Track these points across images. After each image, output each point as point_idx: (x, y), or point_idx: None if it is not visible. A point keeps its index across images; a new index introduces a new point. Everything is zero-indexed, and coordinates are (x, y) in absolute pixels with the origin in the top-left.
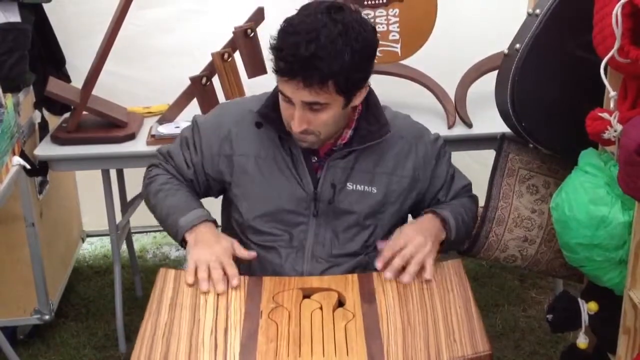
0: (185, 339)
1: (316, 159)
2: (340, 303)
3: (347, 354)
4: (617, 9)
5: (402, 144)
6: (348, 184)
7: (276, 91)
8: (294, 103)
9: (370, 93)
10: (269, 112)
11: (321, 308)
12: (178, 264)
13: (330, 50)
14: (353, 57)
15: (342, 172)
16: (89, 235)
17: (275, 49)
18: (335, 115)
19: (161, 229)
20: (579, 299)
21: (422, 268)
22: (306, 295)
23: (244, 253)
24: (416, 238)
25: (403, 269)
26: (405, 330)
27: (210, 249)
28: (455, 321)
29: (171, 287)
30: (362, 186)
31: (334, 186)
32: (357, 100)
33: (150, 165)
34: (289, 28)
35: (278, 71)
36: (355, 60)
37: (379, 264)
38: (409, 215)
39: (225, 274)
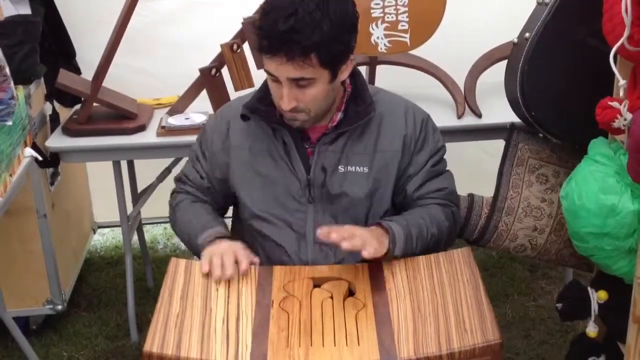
0: (197, 327)
1: (307, 145)
2: (351, 292)
3: (359, 343)
4: None
5: (393, 120)
6: (340, 166)
7: (265, 85)
8: (280, 81)
9: (358, 74)
10: (258, 104)
11: (332, 297)
12: (189, 255)
13: (309, 22)
14: (332, 28)
15: (333, 155)
16: (100, 227)
17: (258, 28)
18: (323, 91)
19: None
20: (589, 288)
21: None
22: (316, 285)
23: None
24: (362, 232)
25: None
26: (415, 319)
27: (223, 244)
28: (465, 310)
29: (182, 277)
30: (354, 167)
31: (325, 169)
32: (344, 75)
33: (173, 193)
34: (268, 6)
35: (261, 49)
36: (335, 32)
37: (320, 231)
38: None
39: (237, 262)
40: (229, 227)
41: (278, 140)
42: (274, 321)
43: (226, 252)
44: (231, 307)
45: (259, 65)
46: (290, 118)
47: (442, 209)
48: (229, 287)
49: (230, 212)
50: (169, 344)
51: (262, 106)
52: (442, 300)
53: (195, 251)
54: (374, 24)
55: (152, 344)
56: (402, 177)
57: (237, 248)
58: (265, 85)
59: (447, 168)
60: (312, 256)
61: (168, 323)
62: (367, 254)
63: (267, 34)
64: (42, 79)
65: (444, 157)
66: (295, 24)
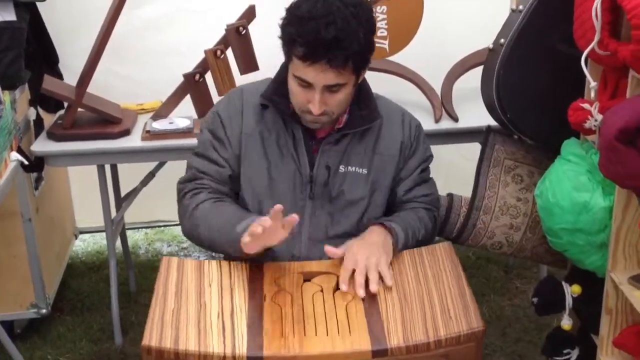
0: (193, 322)
1: (313, 143)
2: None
3: (350, 332)
4: (597, 3)
5: (391, 125)
6: (341, 166)
7: (280, 77)
8: (314, 87)
9: (364, 80)
10: (274, 95)
11: (322, 290)
12: None
13: (349, 31)
14: (366, 37)
15: (336, 155)
16: (81, 232)
17: (295, 35)
18: (348, 95)
19: (153, 225)
20: (563, 283)
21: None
22: (306, 279)
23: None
24: (360, 252)
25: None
26: (403, 309)
27: None
28: (449, 299)
29: (175, 275)
30: (354, 168)
31: (329, 168)
32: (361, 78)
33: (187, 192)
34: (304, 14)
35: (301, 57)
36: (368, 40)
37: (344, 287)
38: None
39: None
40: None
41: (288, 132)
42: (267, 314)
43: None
44: (225, 302)
45: (242, 71)
46: (313, 120)
47: (427, 213)
48: (221, 283)
49: None
50: (166, 338)
51: (277, 97)
52: (427, 291)
53: (226, 246)
54: None
55: (150, 339)
56: (394, 179)
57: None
58: (280, 75)
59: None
60: (305, 251)
61: (164, 318)
62: (388, 282)
63: (310, 42)
64: (27, 85)
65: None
66: (337, 33)
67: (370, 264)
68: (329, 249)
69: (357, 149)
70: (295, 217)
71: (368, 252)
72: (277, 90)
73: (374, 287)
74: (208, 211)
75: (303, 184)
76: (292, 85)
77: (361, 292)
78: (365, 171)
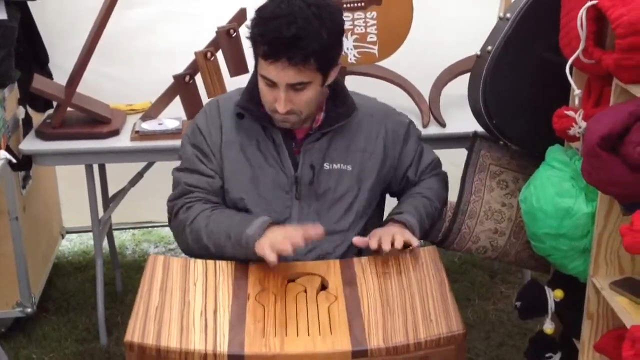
0: (176, 319)
1: (294, 144)
2: (323, 287)
3: (331, 333)
4: (582, 13)
5: (372, 123)
6: (325, 164)
7: (251, 85)
8: (278, 86)
9: (338, 79)
10: (248, 104)
11: (305, 291)
12: None
13: (309, 30)
14: (329, 37)
15: (318, 154)
16: (68, 232)
17: (257, 35)
18: (315, 94)
19: (140, 225)
20: (546, 287)
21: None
22: (291, 280)
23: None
24: (386, 229)
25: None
26: (384, 312)
27: (278, 230)
28: (431, 303)
29: (160, 272)
30: (339, 164)
31: (313, 167)
32: (331, 78)
33: (180, 208)
34: (267, 14)
35: (262, 55)
36: (331, 39)
37: (373, 244)
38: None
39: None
40: None
41: (268, 137)
42: (250, 313)
43: (287, 233)
44: (209, 301)
45: (232, 73)
46: (282, 120)
47: (437, 179)
48: (206, 281)
49: None
50: (149, 334)
51: (252, 105)
52: (409, 294)
53: (237, 250)
54: (344, 36)
55: (132, 334)
56: (397, 171)
57: (289, 229)
58: (250, 86)
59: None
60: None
61: (148, 314)
62: (415, 242)
63: (270, 40)
64: (16, 84)
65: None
66: (298, 31)
67: (396, 234)
68: (357, 239)
69: (338, 146)
70: (320, 230)
71: (390, 230)
72: (250, 99)
73: (398, 242)
74: (209, 219)
75: (288, 185)
76: (261, 85)
77: (386, 247)
78: (350, 167)
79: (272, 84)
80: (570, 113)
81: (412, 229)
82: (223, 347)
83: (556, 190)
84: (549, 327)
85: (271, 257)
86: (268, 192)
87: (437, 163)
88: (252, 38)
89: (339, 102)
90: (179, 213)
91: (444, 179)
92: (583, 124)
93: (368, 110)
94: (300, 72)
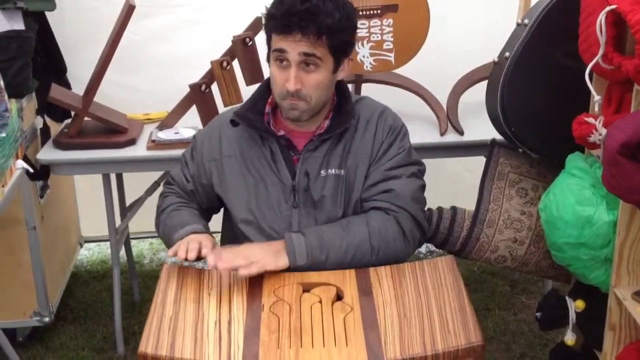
0: (190, 330)
1: (294, 153)
2: (339, 297)
3: (347, 345)
4: (601, 18)
5: (369, 127)
6: (322, 171)
7: (257, 96)
8: (290, 61)
9: (343, 85)
10: (248, 112)
11: (320, 302)
12: None
13: (323, 8)
14: (341, 18)
15: (315, 161)
16: (86, 241)
17: (273, 12)
18: (326, 79)
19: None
20: (567, 297)
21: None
22: (305, 290)
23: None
24: (254, 249)
25: None
26: (401, 322)
27: (192, 236)
28: (449, 313)
29: (175, 282)
30: (334, 170)
31: (308, 174)
32: (341, 73)
33: (161, 195)
34: None
35: (276, 29)
36: (343, 22)
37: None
38: None
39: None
40: (220, 229)
41: (266, 147)
42: (265, 324)
43: (192, 240)
44: (223, 312)
45: (248, 82)
46: (290, 107)
47: (380, 214)
48: (220, 292)
49: (220, 215)
50: (163, 345)
51: (251, 114)
52: (426, 304)
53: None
54: (359, 43)
55: (146, 345)
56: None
57: (203, 238)
58: (256, 94)
59: (418, 180)
60: None
61: (162, 325)
62: (256, 269)
63: (284, 12)
64: (34, 93)
65: (413, 168)
66: (311, 7)
67: (257, 262)
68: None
69: (336, 151)
70: (213, 263)
71: (264, 255)
72: (252, 107)
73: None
74: (169, 214)
75: (287, 194)
76: (272, 69)
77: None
78: (343, 172)
79: (285, 61)
80: (590, 120)
81: (295, 251)
82: (237, 359)
83: (576, 198)
84: (570, 338)
85: (171, 251)
86: (268, 202)
87: (396, 197)
88: (267, 17)
89: (342, 110)
90: (159, 198)
91: (397, 220)
92: (603, 131)
93: (366, 114)
94: (312, 45)
